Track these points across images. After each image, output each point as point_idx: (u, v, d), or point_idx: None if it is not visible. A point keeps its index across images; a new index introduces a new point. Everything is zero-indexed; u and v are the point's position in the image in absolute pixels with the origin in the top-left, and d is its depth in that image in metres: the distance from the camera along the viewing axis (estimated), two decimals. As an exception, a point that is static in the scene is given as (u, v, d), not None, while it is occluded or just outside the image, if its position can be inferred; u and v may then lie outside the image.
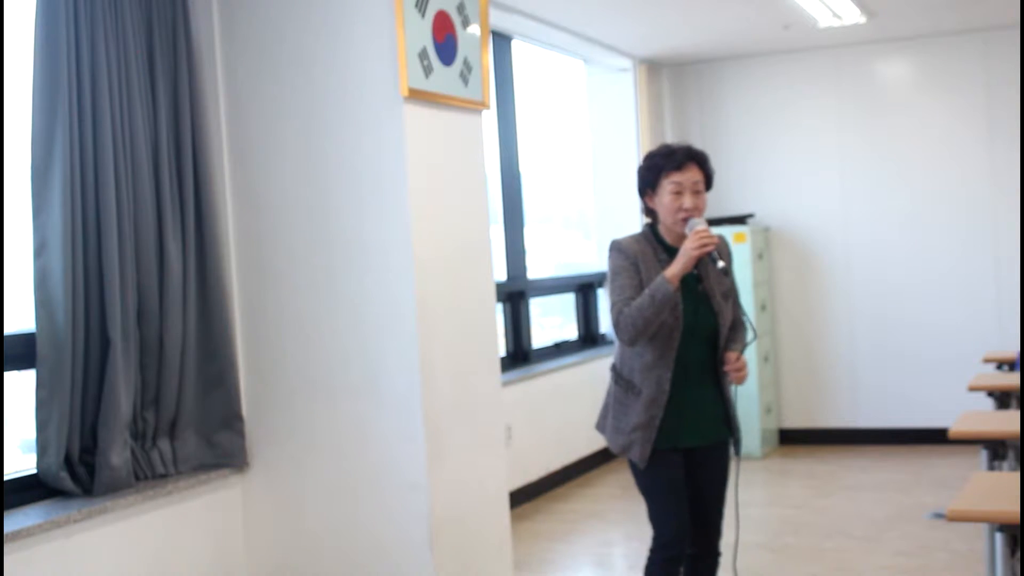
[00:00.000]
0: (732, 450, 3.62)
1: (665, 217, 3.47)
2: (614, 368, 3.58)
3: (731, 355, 3.48)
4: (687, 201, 3.42)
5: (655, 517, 3.55)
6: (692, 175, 3.45)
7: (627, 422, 3.50)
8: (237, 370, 4.17)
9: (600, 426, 3.64)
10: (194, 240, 4.03)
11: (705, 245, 3.32)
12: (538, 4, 6.38)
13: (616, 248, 3.49)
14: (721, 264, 3.37)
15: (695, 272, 3.47)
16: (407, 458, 4.02)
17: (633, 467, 3.56)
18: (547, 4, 6.41)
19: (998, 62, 7.69)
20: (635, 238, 3.51)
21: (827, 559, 5.31)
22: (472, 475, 4.28)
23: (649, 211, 3.55)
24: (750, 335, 3.58)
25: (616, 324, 3.41)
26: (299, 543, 4.19)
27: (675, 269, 3.33)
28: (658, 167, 3.48)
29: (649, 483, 3.53)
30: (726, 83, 8.40)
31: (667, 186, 3.45)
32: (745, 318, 3.62)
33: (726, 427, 3.58)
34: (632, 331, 3.37)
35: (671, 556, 3.50)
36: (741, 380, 3.45)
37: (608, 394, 3.61)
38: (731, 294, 3.55)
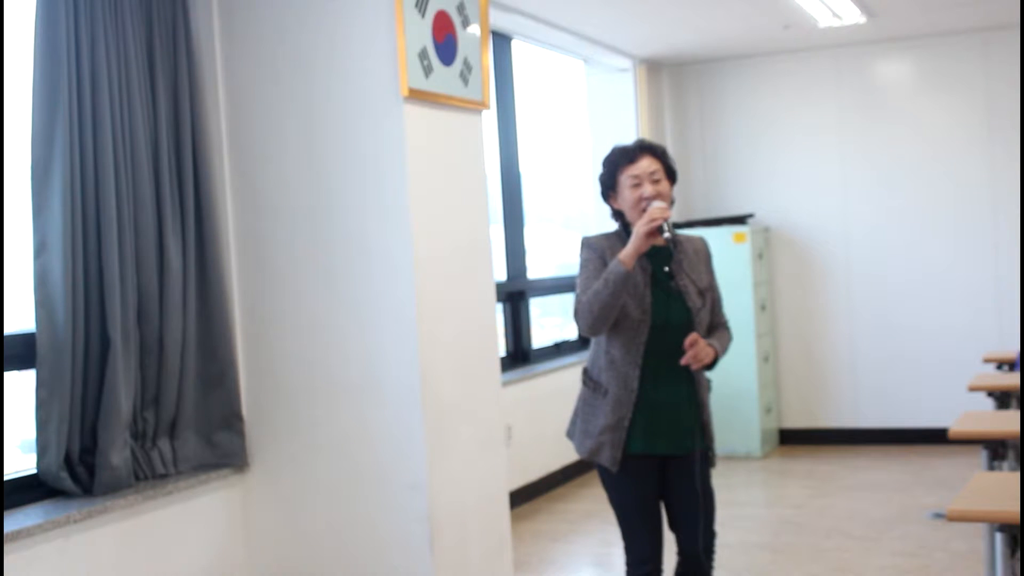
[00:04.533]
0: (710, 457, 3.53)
1: (630, 212, 3.42)
2: (585, 371, 3.52)
3: (690, 337, 3.32)
4: (647, 189, 3.38)
5: (627, 535, 3.45)
6: (647, 164, 3.41)
7: (595, 424, 3.40)
8: (237, 370, 4.17)
9: (569, 432, 3.54)
10: (194, 240, 4.03)
11: (654, 220, 3.25)
12: (538, 4, 6.38)
13: (585, 244, 3.45)
14: (667, 235, 3.29)
15: (667, 269, 3.41)
16: (407, 458, 4.02)
17: (603, 477, 3.45)
18: (547, 4, 6.41)
19: (998, 62, 7.70)
20: (606, 235, 3.48)
21: (827, 559, 5.31)
22: (472, 475, 4.28)
23: (616, 213, 3.51)
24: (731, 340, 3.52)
25: (576, 313, 3.35)
26: (299, 543, 4.19)
27: (628, 249, 3.27)
28: (613, 164, 3.46)
29: (621, 497, 3.42)
30: (726, 83, 8.40)
31: (625, 181, 3.42)
32: (726, 322, 3.55)
33: (701, 435, 3.46)
34: (589, 317, 3.30)
35: (647, 572, 3.42)
36: (698, 361, 3.29)
37: (578, 398, 3.53)
38: (710, 293, 3.48)
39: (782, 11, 6.87)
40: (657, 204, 3.32)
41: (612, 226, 3.55)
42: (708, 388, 3.50)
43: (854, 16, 7.04)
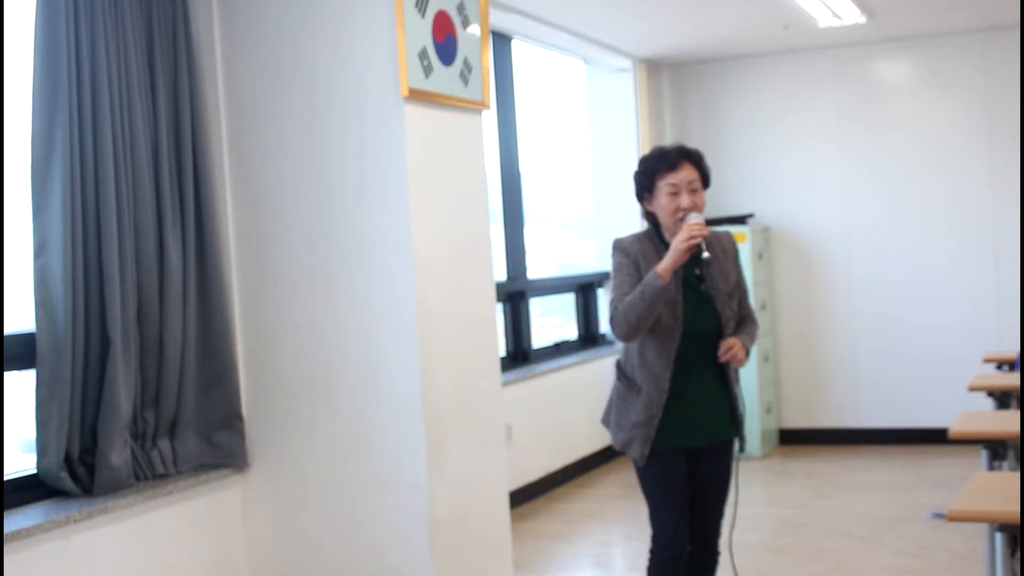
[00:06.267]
0: (736, 448, 3.63)
1: (664, 218, 3.50)
2: (618, 364, 3.61)
3: (723, 343, 3.45)
4: (684, 200, 3.44)
5: (654, 518, 3.57)
6: (687, 174, 3.47)
7: (628, 419, 3.52)
8: (237, 370, 4.17)
9: (605, 420, 3.67)
10: (194, 240, 4.03)
11: (693, 237, 3.33)
12: (538, 4, 6.37)
13: (618, 247, 3.52)
14: (706, 255, 3.38)
15: (697, 272, 3.48)
16: (407, 458, 4.02)
17: (636, 464, 3.58)
18: (547, 4, 6.41)
19: (998, 62, 7.69)
20: (637, 237, 3.54)
21: (827, 559, 5.31)
22: (472, 475, 4.28)
23: (649, 214, 3.57)
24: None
25: (611, 320, 3.43)
26: (299, 543, 4.19)
27: (666, 263, 3.34)
28: (652, 170, 3.51)
29: (650, 483, 3.54)
30: (726, 83, 8.40)
31: (663, 188, 3.47)
32: (752, 314, 3.64)
33: (731, 425, 3.58)
34: (625, 326, 3.38)
35: (671, 556, 3.52)
36: (737, 361, 3.43)
37: (613, 390, 3.63)
38: (738, 291, 3.57)
39: (782, 11, 6.87)
40: (695, 218, 3.39)
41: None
42: (737, 379, 3.59)
43: (854, 16, 7.03)
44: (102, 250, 3.69)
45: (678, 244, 3.33)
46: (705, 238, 3.36)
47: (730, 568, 3.86)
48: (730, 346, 3.43)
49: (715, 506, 3.62)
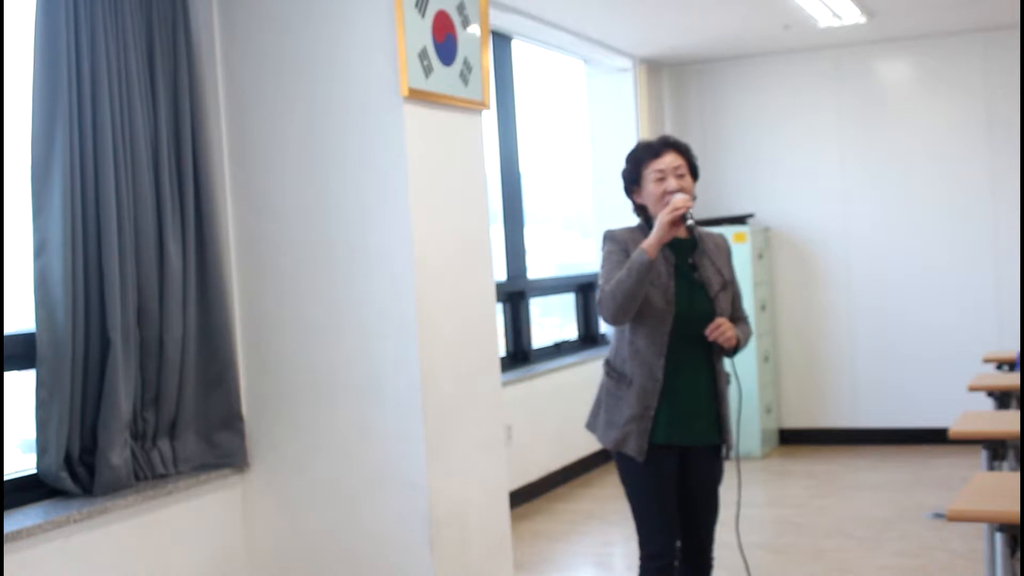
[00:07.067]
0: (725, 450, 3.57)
1: (653, 206, 3.46)
2: (607, 362, 3.55)
3: (712, 323, 3.39)
4: (671, 184, 3.43)
5: (642, 527, 3.48)
6: (672, 160, 3.46)
7: (620, 415, 3.44)
8: (237, 370, 4.17)
9: (591, 424, 3.58)
10: (194, 240, 4.03)
11: (677, 209, 3.31)
12: (538, 4, 6.38)
13: (608, 236, 3.50)
14: (690, 222, 3.35)
15: (690, 261, 3.46)
16: (407, 458, 4.02)
17: (623, 466, 3.48)
18: (547, 4, 6.41)
19: (998, 62, 7.70)
20: (629, 228, 3.52)
21: (827, 559, 5.31)
22: (472, 475, 4.28)
23: (639, 208, 3.55)
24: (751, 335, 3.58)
25: (599, 302, 3.39)
26: (299, 543, 4.19)
27: (651, 239, 3.32)
28: (638, 160, 3.51)
29: (641, 487, 3.45)
30: (726, 83, 8.40)
31: (650, 175, 3.46)
32: (746, 317, 3.61)
33: (718, 428, 3.51)
34: (612, 305, 3.33)
35: (663, 565, 3.45)
36: (726, 339, 3.36)
37: (600, 389, 3.57)
38: (730, 288, 3.53)
39: (782, 11, 6.87)
40: (680, 196, 3.37)
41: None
42: (727, 381, 3.55)
43: (854, 16, 7.04)
44: (102, 250, 3.69)
45: (662, 218, 3.31)
46: (689, 209, 3.34)
47: (740, 567, 3.85)
48: (718, 324, 3.37)
49: (709, 509, 3.54)
